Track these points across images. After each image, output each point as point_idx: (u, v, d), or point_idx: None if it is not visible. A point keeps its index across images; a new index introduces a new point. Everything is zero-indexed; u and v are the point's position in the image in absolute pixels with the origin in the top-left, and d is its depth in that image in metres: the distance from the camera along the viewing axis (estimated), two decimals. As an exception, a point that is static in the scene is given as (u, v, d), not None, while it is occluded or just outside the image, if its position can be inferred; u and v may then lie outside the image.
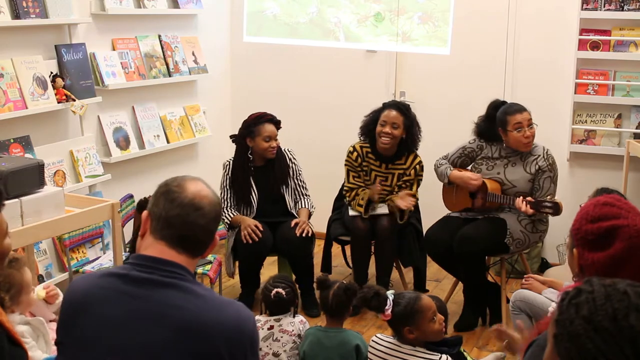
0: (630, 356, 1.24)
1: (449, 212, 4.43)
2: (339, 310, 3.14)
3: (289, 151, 4.57)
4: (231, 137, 4.55)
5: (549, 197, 4.06)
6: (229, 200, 4.46)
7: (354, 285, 3.20)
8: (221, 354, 1.72)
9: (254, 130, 4.39)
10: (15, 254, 2.70)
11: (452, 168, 4.33)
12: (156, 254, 1.80)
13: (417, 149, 4.53)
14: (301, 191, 4.55)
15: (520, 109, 4.12)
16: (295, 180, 4.53)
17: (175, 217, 1.81)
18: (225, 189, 4.47)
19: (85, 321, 1.78)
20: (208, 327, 1.72)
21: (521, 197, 3.99)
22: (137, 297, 1.75)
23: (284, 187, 4.50)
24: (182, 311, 1.73)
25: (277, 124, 4.46)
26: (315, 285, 3.32)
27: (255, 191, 4.44)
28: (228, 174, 4.48)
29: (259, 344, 3.13)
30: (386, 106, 4.46)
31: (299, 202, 4.53)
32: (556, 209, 3.91)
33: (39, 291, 2.85)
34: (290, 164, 4.53)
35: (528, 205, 3.93)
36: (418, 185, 4.49)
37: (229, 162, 4.50)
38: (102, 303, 1.77)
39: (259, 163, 4.47)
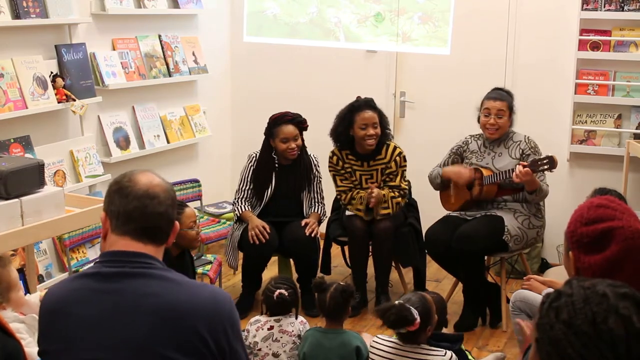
0: (610, 359, 1.24)
1: (449, 213, 4.43)
2: (337, 312, 3.14)
3: (315, 157, 4.57)
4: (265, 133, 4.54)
5: (541, 178, 4.08)
6: (245, 192, 4.46)
7: (350, 286, 3.20)
8: (202, 336, 1.73)
9: (273, 131, 4.39)
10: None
11: (443, 168, 4.37)
12: (122, 249, 1.83)
13: (392, 137, 4.54)
14: (317, 198, 4.55)
15: (495, 96, 4.21)
16: (314, 187, 4.53)
17: (134, 210, 1.83)
18: (245, 180, 4.47)
19: (65, 325, 1.79)
20: (185, 311, 1.74)
21: (519, 163, 4.00)
22: (112, 292, 1.77)
23: (305, 189, 4.50)
24: (158, 298, 1.75)
25: (299, 123, 4.43)
26: (313, 287, 3.31)
27: (272, 188, 4.43)
28: (253, 166, 4.47)
29: (241, 326, 3.13)
30: (357, 108, 4.40)
31: (312, 207, 4.53)
32: (551, 162, 3.90)
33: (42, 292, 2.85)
34: (314, 170, 4.54)
35: (525, 168, 3.92)
36: (403, 176, 4.48)
37: (255, 155, 4.50)
38: (78, 305, 1.79)
39: (285, 162, 4.46)
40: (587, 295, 1.30)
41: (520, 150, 4.17)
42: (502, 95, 4.22)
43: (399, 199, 4.42)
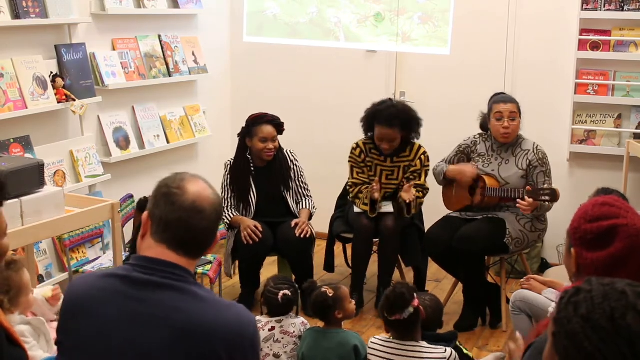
0: (627, 355, 1.24)
1: (449, 212, 4.43)
2: (324, 315, 3.14)
3: (291, 152, 4.56)
4: (238, 135, 4.54)
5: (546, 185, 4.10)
6: (229, 200, 4.46)
7: (325, 294, 3.12)
8: (221, 357, 1.70)
9: (252, 130, 4.40)
10: (14, 256, 2.70)
11: (447, 165, 4.36)
12: (156, 256, 1.79)
13: (418, 138, 4.51)
14: (303, 192, 4.55)
15: (505, 99, 4.18)
16: (297, 182, 4.53)
17: (177, 220, 1.78)
18: (226, 189, 4.47)
19: (85, 322, 1.77)
20: (208, 330, 1.71)
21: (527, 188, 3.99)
22: (137, 299, 1.74)
23: (285, 188, 4.49)
24: (181, 314, 1.72)
25: (278, 126, 4.44)
26: (304, 291, 3.32)
27: (255, 191, 4.44)
28: (228, 173, 4.48)
29: (260, 345, 3.13)
30: (378, 121, 4.35)
31: (301, 203, 4.53)
32: (553, 196, 3.92)
33: (47, 291, 2.85)
34: (292, 166, 4.53)
35: (526, 195, 3.94)
36: (426, 176, 4.48)
37: (230, 162, 4.51)
38: (102, 304, 1.77)
39: (260, 164, 4.46)
40: (606, 292, 1.31)
41: (528, 161, 4.14)
42: (510, 98, 4.22)
43: (422, 199, 4.44)
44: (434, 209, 4.61)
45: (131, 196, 4.54)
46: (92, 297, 1.79)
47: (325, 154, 5.22)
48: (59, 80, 4.28)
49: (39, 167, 3.19)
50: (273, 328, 3.19)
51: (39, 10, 4.16)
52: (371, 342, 2.98)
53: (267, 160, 4.43)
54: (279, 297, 3.20)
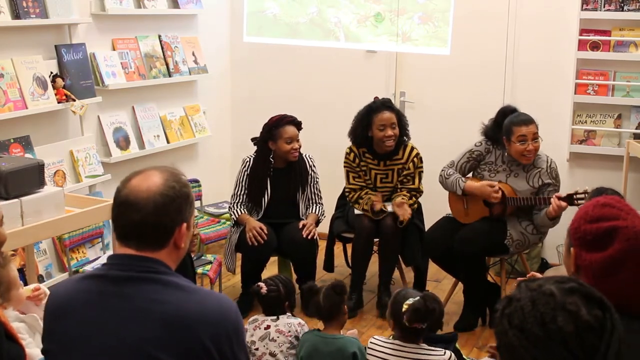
0: (566, 356, 1.25)
1: (449, 212, 4.42)
2: (334, 311, 3.13)
3: (310, 158, 4.57)
4: (252, 139, 4.52)
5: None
6: (241, 197, 4.46)
7: (341, 282, 3.16)
8: (206, 346, 1.71)
9: (275, 133, 4.38)
10: None
11: (463, 179, 4.20)
12: (125, 253, 1.81)
13: (409, 138, 4.51)
14: (315, 199, 4.55)
15: (526, 120, 4.02)
16: (311, 188, 4.53)
17: (115, 217, 1.84)
18: (240, 185, 4.48)
19: (68, 326, 1.78)
20: (191, 319, 1.72)
21: (555, 196, 3.89)
22: (117, 296, 1.76)
23: (300, 192, 4.50)
24: (164, 305, 1.73)
25: (298, 125, 4.45)
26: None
27: (269, 194, 4.44)
28: (247, 170, 4.47)
29: (245, 335, 3.13)
30: (375, 109, 4.38)
31: (310, 208, 4.53)
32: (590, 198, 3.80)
33: (26, 290, 2.84)
34: (310, 171, 4.53)
35: (560, 200, 3.83)
36: (420, 178, 4.47)
37: (249, 159, 4.50)
38: (83, 306, 1.78)
39: (280, 165, 4.46)
40: (534, 297, 1.31)
41: (541, 181, 4.07)
42: (530, 117, 4.04)
43: (415, 205, 4.43)
44: (434, 209, 4.61)
45: (131, 196, 4.53)
46: (74, 300, 1.80)
47: (325, 154, 5.22)
48: (59, 80, 4.29)
49: (39, 167, 3.20)
50: (268, 327, 3.20)
51: (39, 10, 4.17)
52: (371, 342, 2.98)
53: (292, 160, 4.43)
54: (252, 291, 3.24)
